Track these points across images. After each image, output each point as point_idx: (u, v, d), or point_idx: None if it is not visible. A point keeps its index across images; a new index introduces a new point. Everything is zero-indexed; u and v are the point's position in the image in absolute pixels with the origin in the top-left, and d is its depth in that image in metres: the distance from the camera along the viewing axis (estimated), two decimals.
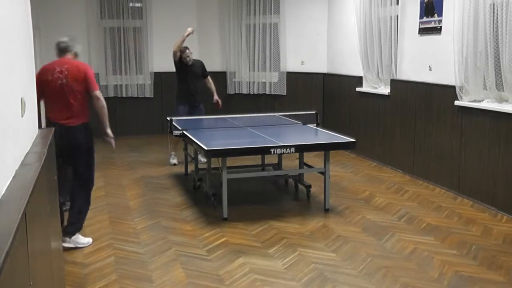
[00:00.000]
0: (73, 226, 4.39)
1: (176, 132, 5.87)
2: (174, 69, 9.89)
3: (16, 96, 2.29)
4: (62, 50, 4.43)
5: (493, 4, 5.15)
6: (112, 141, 4.55)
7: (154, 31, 9.61)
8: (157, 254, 4.20)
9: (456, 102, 5.68)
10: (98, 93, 4.35)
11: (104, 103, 4.37)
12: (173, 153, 7.35)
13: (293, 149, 5.03)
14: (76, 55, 4.53)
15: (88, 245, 4.39)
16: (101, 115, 4.38)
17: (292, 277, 3.76)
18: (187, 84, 7.16)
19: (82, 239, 4.42)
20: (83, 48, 9.30)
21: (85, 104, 4.37)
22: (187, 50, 7.19)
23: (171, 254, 4.19)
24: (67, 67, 4.29)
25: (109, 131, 4.48)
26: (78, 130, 4.32)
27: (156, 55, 9.62)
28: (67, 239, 4.32)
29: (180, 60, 7.12)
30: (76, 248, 4.33)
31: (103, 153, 8.19)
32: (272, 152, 5.02)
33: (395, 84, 6.93)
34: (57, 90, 4.27)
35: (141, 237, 4.59)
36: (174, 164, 7.25)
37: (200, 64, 7.39)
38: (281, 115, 7.08)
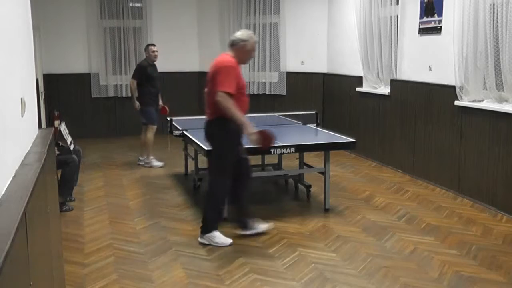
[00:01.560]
0: (204, 224, 4.41)
1: (176, 132, 5.87)
2: (173, 69, 9.93)
3: (16, 96, 2.29)
4: (228, 45, 4.41)
5: (493, 4, 5.15)
6: (252, 137, 4.18)
7: (154, 31, 9.61)
8: (157, 254, 4.20)
9: (456, 102, 5.68)
10: (219, 93, 4.07)
11: (224, 104, 4.06)
12: (151, 157, 7.31)
13: (293, 149, 5.03)
14: (240, 51, 4.32)
15: (223, 246, 4.32)
16: (229, 116, 4.13)
17: (292, 277, 3.76)
18: (153, 86, 7.17)
19: (217, 238, 4.36)
20: (83, 48, 9.40)
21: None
22: (156, 47, 7.25)
23: (171, 254, 4.19)
24: (213, 63, 4.31)
25: (246, 129, 4.15)
26: (208, 125, 4.32)
27: None
28: (202, 235, 4.40)
29: (145, 70, 7.10)
30: (209, 245, 4.35)
31: (102, 153, 8.21)
32: (272, 152, 5.02)
33: (395, 84, 6.93)
34: (206, 85, 4.36)
35: (141, 237, 4.59)
36: (161, 167, 7.22)
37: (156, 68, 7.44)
38: (281, 115, 7.08)
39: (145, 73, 7.08)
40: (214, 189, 4.39)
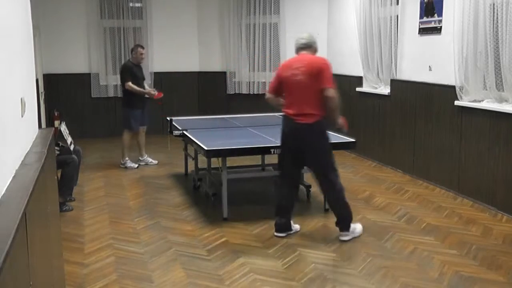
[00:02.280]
0: (343, 221, 4.47)
1: (176, 132, 5.87)
2: (173, 69, 9.93)
3: (16, 96, 2.29)
4: (301, 47, 4.47)
5: (493, 4, 5.15)
6: (343, 122, 4.52)
7: (154, 31, 9.61)
8: (157, 254, 4.20)
9: (456, 102, 5.68)
10: (331, 90, 4.24)
11: (336, 99, 4.28)
12: (126, 158, 7.26)
13: None
14: (315, 51, 4.50)
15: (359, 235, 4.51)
16: (332, 112, 4.34)
17: (292, 277, 3.76)
18: (140, 87, 7.12)
19: (357, 229, 4.55)
20: (83, 48, 9.40)
21: (319, 101, 4.28)
22: (144, 49, 7.26)
23: (171, 254, 4.19)
24: (305, 63, 4.31)
25: (339, 119, 4.48)
26: (309, 128, 4.30)
27: (156, 55, 9.62)
28: (344, 233, 4.46)
29: (131, 70, 7.06)
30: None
31: (102, 153, 8.22)
32: (272, 152, 5.02)
33: (395, 84, 6.93)
34: (294, 86, 4.31)
35: (141, 237, 4.59)
36: (136, 168, 7.20)
37: None
38: (281, 115, 7.06)
39: (132, 73, 7.04)
40: (337, 186, 4.47)
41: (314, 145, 4.36)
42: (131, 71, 7.04)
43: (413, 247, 4.31)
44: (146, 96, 7.25)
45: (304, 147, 4.36)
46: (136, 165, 7.24)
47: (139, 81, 7.13)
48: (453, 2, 5.58)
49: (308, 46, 4.47)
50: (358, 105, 7.90)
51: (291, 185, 4.61)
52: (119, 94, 9.54)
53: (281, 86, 4.45)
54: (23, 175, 2.10)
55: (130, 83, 7.00)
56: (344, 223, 4.48)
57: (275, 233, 4.57)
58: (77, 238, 4.57)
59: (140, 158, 7.39)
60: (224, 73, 9.81)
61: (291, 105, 4.39)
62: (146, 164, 7.36)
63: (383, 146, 7.28)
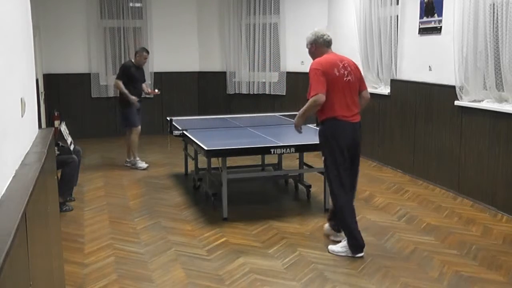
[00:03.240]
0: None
1: (176, 132, 5.87)
2: (173, 69, 9.93)
3: (16, 96, 2.29)
4: (330, 43, 4.21)
5: (493, 4, 5.15)
6: None
7: (154, 31, 9.61)
8: (157, 254, 4.20)
9: (456, 102, 5.68)
10: (368, 92, 4.33)
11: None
12: (137, 158, 7.24)
13: (293, 149, 5.03)
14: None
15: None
16: (361, 111, 4.30)
17: (292, 277, 3.76)
18: (135, 87, 7.12)
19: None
20: (83, 48, 9.40)
21: (358, 100, 4.24)
22: (148, 54, 7.32)
23: (171, 254, 4.19)
24: (347, 63, 4.14)
25: None
26: (359, 126, 4.21)
27: (155, 55, 9.62)
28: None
29: (129, 70, 7.06)
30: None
31: (102, 153, 8.22)
32: (272, 152, 5.03)
33: (395, 84, 6.93)
34: (345, 87, 4.09)
35: (141, 237, 4.59)
36: (145, 169, 7.15)
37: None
38: (281, 115, 7.08)
39: (129, 73, 7.03)
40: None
41: (360, 140, 4.27)
42: (129, 70, 7.04)
43: (413, 247, 4.31)
44: (143, 95, 7.31)
45: (357, 145, 4.21)
46: (146, 165, 7.19)
47: (135, 82, 7.11)
48: (453, 2, 5.58)
49: (331, 44, 4.26)
50: None
51: (352, 193, 4.28)
52: (119, 94, 9.55)
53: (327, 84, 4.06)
54: (23, 175, 2.10)
55: (119, 81, 7.02)
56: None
57: (358, 255, 4.13)
58: (77, 238, 4.57)
59: (127, 159, 7.31)
60: (224, 73, 9.81)
61: (344, 106, 4.09)
62: (131, 165, 7.27)
63: (383, 146, 7.28)
